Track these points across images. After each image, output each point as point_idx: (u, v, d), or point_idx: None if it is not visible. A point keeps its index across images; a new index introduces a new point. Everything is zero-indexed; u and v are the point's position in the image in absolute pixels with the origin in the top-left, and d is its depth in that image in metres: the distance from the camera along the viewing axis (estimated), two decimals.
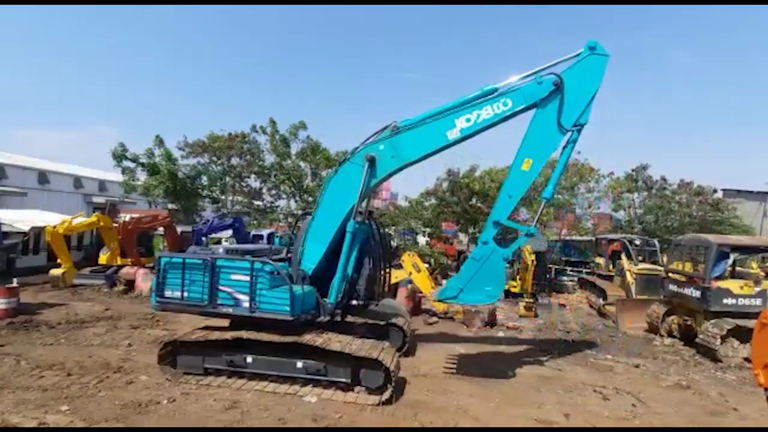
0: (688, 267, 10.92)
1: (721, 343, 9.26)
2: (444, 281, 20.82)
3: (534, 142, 7.30)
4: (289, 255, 8.26)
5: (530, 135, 7.30)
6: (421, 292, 13.04)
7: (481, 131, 7.41)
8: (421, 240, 28.14)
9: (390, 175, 7.69)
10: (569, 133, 7.28)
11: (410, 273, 12.38)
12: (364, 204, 7.73)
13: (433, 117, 7.34)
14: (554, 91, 7.13)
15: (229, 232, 22.68)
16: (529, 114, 7.38)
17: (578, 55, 7.24)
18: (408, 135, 7.36)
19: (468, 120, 7.27)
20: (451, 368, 8.16)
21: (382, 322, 8.66)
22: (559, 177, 7.80)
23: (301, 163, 26.38)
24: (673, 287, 11.11)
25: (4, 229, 16.30)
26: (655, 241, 18.42)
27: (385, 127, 7.50)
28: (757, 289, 9.76)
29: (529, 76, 7.28)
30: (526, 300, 14.33)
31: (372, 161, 7.30)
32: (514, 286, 16.66)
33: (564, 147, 7.50)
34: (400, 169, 7.54)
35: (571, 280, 22.13)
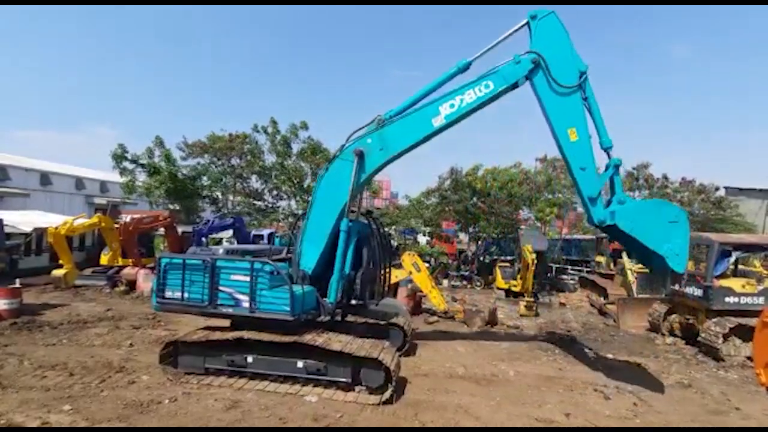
0: (690, 266, 10.89)
1: (723, 342, 9.26)
2: (444, 281, 20.89)
3: (559, 114, 7.21)
4: (289, 255, 8.28)
5: (551, 112, 7.25)
6: (421, 292, 13.04)
7: (466, 115, 7.46)
8: (422, 239, 28.16)
9: (379, 169, 7.68)
10: (578, 87, 7.16)
11: (410, 272, 12.38)
12: (356, 201, 7.73)
13: (416, 106, 7.38)
14: (535, 68, 7.19)
15: (230, 232, 22.73)
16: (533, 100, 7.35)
17: (526, 24, 7.28)
18: (394, 126, 7.40)
19: (452, 106, 7.32)
20: (452, 367, 8.16)
21: (382, 322, 8.68)
22: (603, 122, 7.40)
23: (302, 163, 26.37)
24: (674, 286, 11.09)
25: (7, 230, 16.44)
26: None
27: (371, 122, 7.52)
28: (760, 287, 9.76)
29: (481, 56, 7.40)
30: (527, 299, 14.31)
31: (361, 155, 7.33)
32: (515, 285, 16.66)
33: (585, 100, 7.28)
34: (390, 161, 7.56)
35: (572, 279, 22.14)
